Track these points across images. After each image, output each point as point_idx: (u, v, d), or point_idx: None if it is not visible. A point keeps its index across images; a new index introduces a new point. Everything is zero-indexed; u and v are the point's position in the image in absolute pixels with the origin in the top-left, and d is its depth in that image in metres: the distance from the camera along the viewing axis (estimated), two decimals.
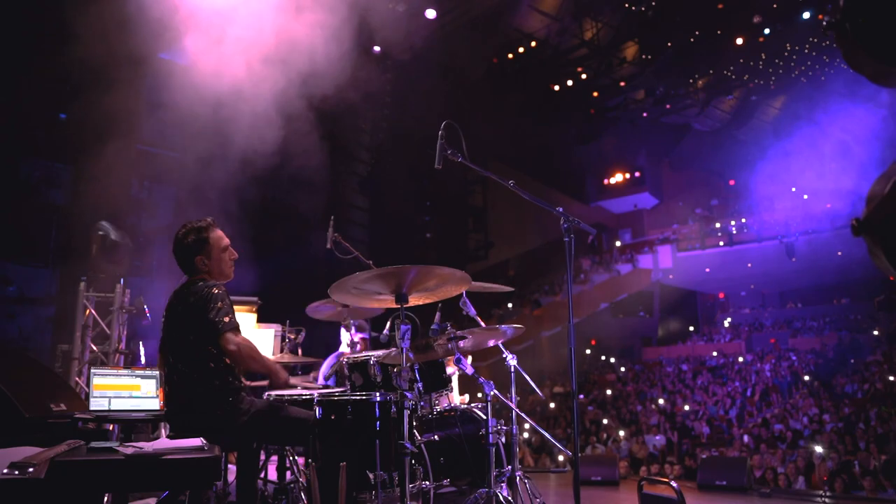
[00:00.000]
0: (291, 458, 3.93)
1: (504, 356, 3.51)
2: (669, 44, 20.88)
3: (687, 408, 16.85)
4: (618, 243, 29.18)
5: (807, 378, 18.35)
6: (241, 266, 3.31)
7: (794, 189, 26.08)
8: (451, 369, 6.20)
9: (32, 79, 8.35)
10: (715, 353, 23.41)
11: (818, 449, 11.39)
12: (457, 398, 5.89)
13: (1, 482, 1.78)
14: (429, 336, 3.33)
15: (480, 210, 27.44)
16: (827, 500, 8.53)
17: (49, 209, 10.52)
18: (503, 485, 3.29)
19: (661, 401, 17.67)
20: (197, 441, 2.40)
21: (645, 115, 25.83)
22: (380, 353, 3.42)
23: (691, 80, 23.77)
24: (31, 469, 1.82)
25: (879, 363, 18.46)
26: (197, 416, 2.88)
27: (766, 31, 19.44)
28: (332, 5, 6.45)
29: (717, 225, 26.91)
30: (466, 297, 3.52)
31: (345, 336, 4.62)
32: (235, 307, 3.03)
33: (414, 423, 3.16)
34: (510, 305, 26.05)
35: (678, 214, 28.93)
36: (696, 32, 20.28)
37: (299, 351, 5.21)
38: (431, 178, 21.80)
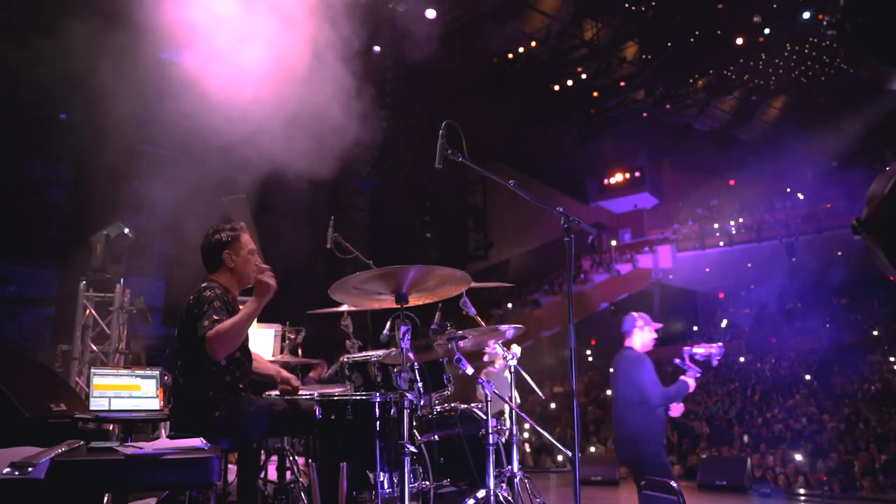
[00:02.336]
0: (291, 458, 3.93)
1: (504, 356, 3.51)
2: (669, 44, 20.87)
3: (686, 408, 16.84)
4: (613, 242, 29.12)
5: (807, 378, 18.34)
6: None
7: (793, 189, 26.10)
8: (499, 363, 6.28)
9: (32, 79, 8.35)
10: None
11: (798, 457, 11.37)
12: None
13: (1, 482, 1.78)
14: (429, 336, 3.33)
15: (480, 210, 27.46)
16: (827, 500, 8.53)
17: (49, 209, 10.53)
18: (503, 485, 3.29)
19: None
20: (197, 441, 2.40)
21: (645, 115, 25.82)
22: (380, 352, 3.43)
23: (691, 80, 23.77)
24: (31, 469, 1.82)
25: (879, 363, 18.45)
26: (197, 416, 2.88)
27: (766, 31, 19.44)
28: (331, 5, 6.45)
29: (717, 225, 26.90)
30: (466, 297, 3.52)
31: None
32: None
33: (414, 423, 3.16)
34: (510, 305, 26.06)
35: (678, 214, 28.91)
36: (696, 32, 20.27)
37: (299, 351, 5.21)
38: (431, 178, 21.82)
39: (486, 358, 6.36)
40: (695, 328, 28.58)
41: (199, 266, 3.36)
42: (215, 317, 2.84)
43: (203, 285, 3.03)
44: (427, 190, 23.01)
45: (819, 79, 22.09)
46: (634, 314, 4.85)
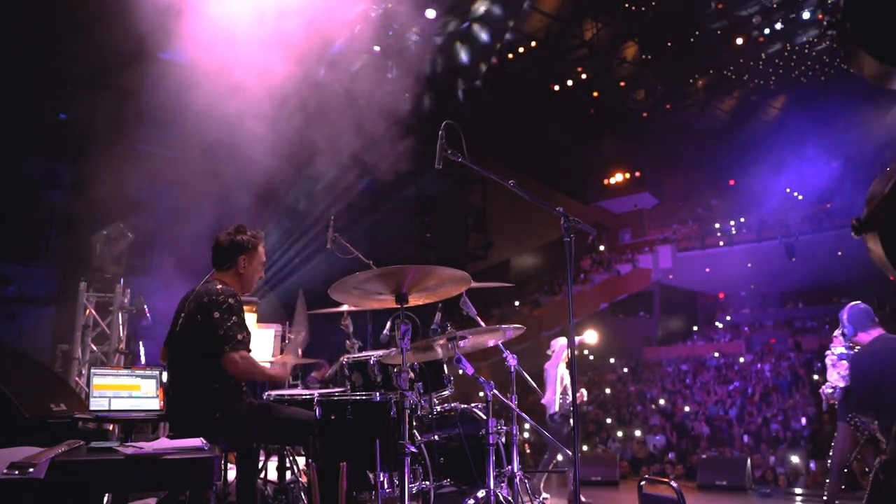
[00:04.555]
0: (291, 458, 3.93)
1: (504, 356, 3.51)
2: (669, 44, 20.87)
3: (687, 408, 16.84)
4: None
5: (807, 378, 18.33)
6: None
7: (793, 189, 26.08)
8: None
9: (32, 79, 8.35)
10: (715, 354, 23.39)
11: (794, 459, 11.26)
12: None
13: (1, 482, 1.77)
14: (429, 336, 3.33)
15: (480, 210, 27.43)
16: (826, 500, 8.50)
17: (49, 209, 10.51)
18: (503, 485, 3.29)
19: (661, 401, 17.67)
20: (197, 441, 2.40)
21: (645, 115, 25.81)
22: (380, 353, 3.42)
23: (691, 80, 23.76)
24: (31, 469, 1.81)
25: None
26: (196, 417, 2.88)
27: (766, 31, 19.45)
28: (330, 4, 6.45)
29: (717, 225, 26.90)
30: (466, 297, 3.52)
31: None
32: None
33: (414, 423, 3.16)
34: (510, 305, 26.04)
35: (678, 214, 28.89)
36: (696, 32, 20.27)
37: (299, 351, 5.20)
38: (431, 178, 21.78)
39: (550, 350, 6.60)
40: (691, 328, 28.60)
41: (198, 266, 3.35)
42: (246, 335, 2.92)
43: (219, 287, 2.98)
44: (427, 190, 22.98)
45: (819, 79, 22.09)
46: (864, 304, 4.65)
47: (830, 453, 5.39)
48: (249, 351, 2.94)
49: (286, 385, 4.94)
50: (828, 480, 5.43)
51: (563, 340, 6.75)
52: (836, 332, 5.37)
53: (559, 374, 6.57)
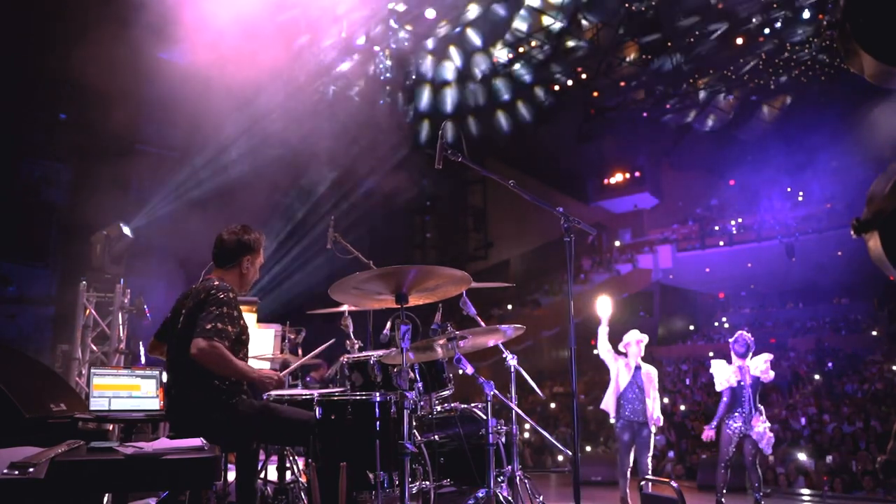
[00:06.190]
0: (291, 458, 3.93)
1: (504, 356, 3.51)
2: (669, 44, 20.86)
3: (686, 408, 16.83)
4: (617, 243, 29.16)
5: (806, 378, 18.33)
6: None
7: (793, 189, 26.09)
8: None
9: (32, 79, 8.35)
10: (715, 353, 23.35)
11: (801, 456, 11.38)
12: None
13: (1, 482, 1.77)
14: (429, 336, 3.33)
15: (480, 210, 27.45)
16: (827, 500, 8.53)
17: (49, 209, 10.53)
18: (503, 485, 3.29)
19: (665, 399, 17.67)
20: (197, 441, 2.40)
21: (645, 115, 25.79)
22: (380, 353, 3.42)
23: (691, 80, 23.73)
24: (31, 469, 1.81)
25: (879, 363, 18.44)
26: (196, 417, 2.87)
27: (766, 31, 19.44)
28: (329, 4, 6.46)
29: (718, 226, 26.91)
30: (466, 297, 3.52)
31: None
32: None
33: (414, 423, 3.16)
34: (510, 306, 26.04)
35: (678, 214, 28.88)
36: (696, 32, 20.26)
37: (299, 351, 5.20)
38: (431, 178, 21.80)
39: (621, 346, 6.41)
40: (691, 328, 28.58)
41: (198, 266, 3.35)
42: (220, 325, 2.79)
43: (216, 283, 2.97)
44: (427, 190, 23.00)
45: (819, 79, 22.08)
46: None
47: (721, 449, 5.91)
48: (225, 344, 2.77)
49: (286, 385, 4.94)
50: (720, 476, 5.82)
51: (633, 335, 6.45)
52: (732, 339, 5.82)
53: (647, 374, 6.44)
